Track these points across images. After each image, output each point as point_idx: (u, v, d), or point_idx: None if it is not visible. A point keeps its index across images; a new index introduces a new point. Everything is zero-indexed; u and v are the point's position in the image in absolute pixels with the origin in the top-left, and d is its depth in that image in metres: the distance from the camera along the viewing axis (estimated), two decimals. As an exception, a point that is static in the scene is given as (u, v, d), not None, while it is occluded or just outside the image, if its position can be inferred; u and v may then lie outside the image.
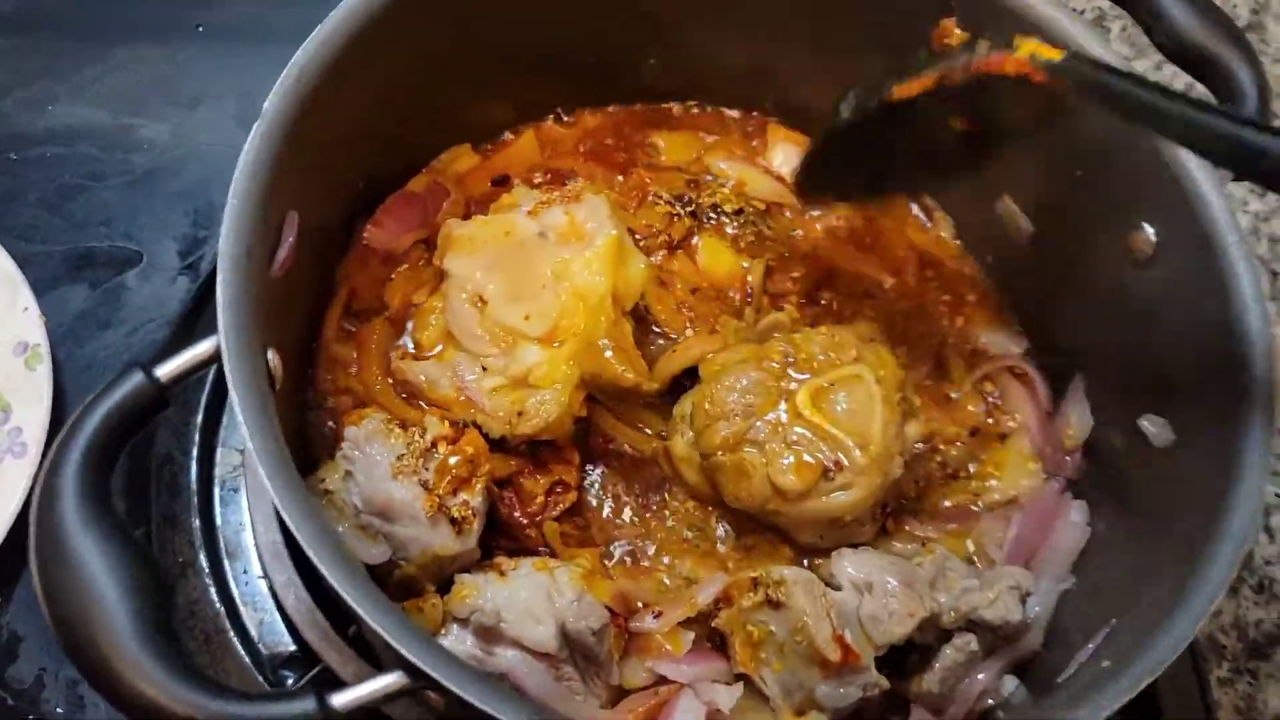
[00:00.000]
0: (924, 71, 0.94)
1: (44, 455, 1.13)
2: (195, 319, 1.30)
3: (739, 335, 1.10)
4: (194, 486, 1.19)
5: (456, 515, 0.96)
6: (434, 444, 0.98)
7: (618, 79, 1.26)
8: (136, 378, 0.81)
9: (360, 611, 0.73)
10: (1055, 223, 1.13)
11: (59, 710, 1.13)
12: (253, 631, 1.13)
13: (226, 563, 1.16)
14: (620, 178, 1.24)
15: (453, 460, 0.97)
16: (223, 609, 1.14)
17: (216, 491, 1.20)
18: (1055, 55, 0.87)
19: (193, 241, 1.39)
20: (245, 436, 0.80)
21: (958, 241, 1.25)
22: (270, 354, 0.88)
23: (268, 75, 0.91)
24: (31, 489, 1.10)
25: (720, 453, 1.00)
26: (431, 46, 1.09)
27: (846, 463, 0.97)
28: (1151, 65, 1.46)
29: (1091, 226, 1.07)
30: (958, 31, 1.11)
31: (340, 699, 0.73)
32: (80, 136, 1.45)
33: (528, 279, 1.03)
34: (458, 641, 0.92)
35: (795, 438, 0.98)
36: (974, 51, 0.92)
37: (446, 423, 1.00)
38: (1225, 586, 0.82)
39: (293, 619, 1.09)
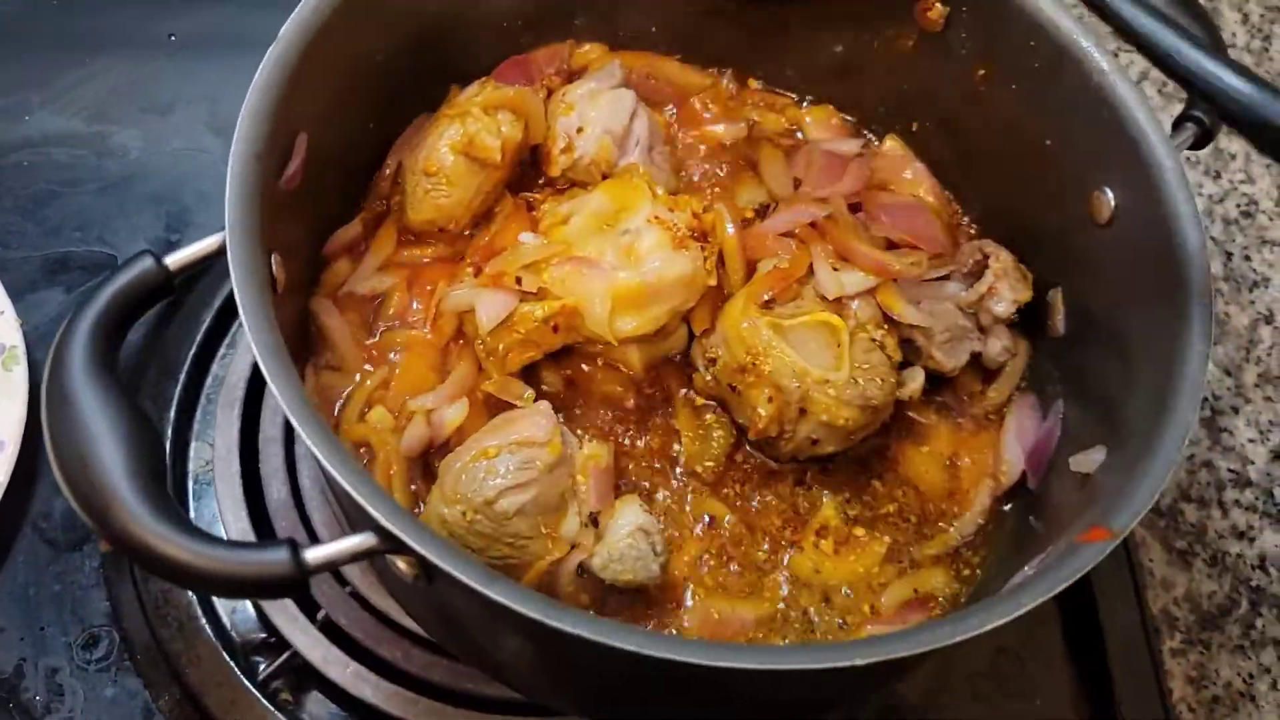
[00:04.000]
0: None
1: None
2: (169, 321, 1.35)
3: None
4: (168, 480, 1.25)
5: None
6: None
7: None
8: (146, 262, 0.89)
9: (332, 469, 0.79)
10: (1026, 193, 1.18)
11: (38, 699, 1.15)
12: (225, 621, 1.19)
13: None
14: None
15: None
16: (194, 597, 1.19)
17: (190, 486, 1.27)
18: None
19: (166, 245, 1.41)
20: (244, 323, 0.86)
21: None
22: (274, 258, 0.95)
23: (238, 82, 0.93)
24: (18, 462, 1.18)
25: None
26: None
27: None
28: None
29: (1060, 192, 1.13)
30: (939, 5, 1.18)
31: (312, 554, 0.80)
32: (55, 144, 1.49)
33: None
34: None
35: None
36: None
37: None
38: (1148, 505, 0.86)
39: (263, 608, 1.17)
